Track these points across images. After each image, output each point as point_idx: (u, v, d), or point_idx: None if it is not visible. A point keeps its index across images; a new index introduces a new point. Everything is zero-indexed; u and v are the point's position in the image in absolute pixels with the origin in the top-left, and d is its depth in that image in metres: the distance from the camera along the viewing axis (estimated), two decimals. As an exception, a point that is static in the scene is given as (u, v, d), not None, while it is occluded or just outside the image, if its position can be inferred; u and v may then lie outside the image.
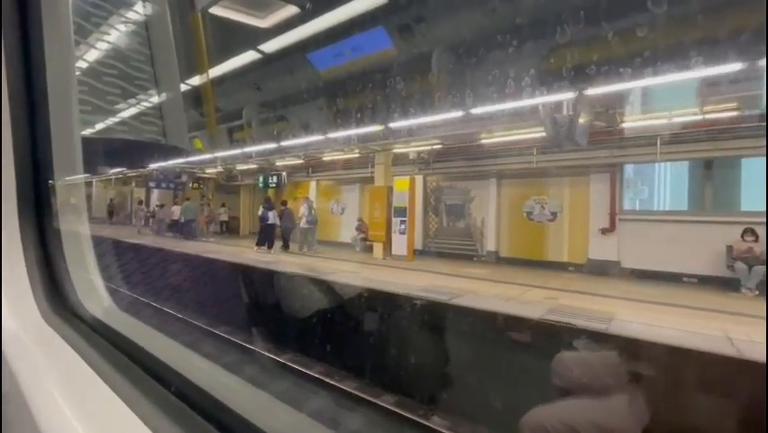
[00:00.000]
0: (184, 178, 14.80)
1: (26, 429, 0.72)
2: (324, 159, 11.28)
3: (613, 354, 0.91)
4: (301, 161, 11.95)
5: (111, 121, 2.01)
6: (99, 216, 18.83)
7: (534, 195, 8.93)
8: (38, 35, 1.18)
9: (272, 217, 10.22)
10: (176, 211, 13.41)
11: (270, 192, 12.98)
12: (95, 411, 0.71)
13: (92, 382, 0.76)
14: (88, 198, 19.18)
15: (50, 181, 1.26)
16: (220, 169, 14.10)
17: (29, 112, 1.17)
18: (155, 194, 16.35)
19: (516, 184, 9.27)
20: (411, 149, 9.44)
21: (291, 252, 10.11)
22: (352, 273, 7.34)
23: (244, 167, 13.52)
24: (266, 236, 10.10)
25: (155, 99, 2.04)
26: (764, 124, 5.69)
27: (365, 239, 10.41)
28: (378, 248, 9.28)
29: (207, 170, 14.89)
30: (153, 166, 13.64)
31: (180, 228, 12.98)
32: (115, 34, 1.87)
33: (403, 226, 8.75)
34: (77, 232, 1.40)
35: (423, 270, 7.55)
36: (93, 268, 1.39)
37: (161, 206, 15.34)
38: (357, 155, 10.25)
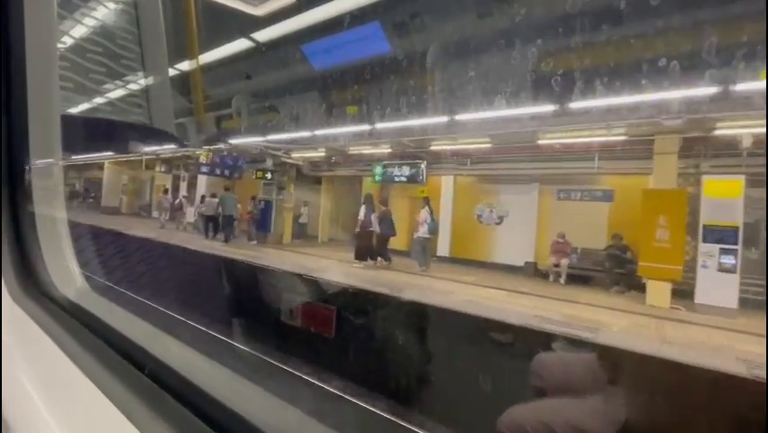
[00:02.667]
0: (268, 162, 10.55)
1: None
2: (540, 142, 7.39)
3: (591, 356, 0.93)
4: (489, 145, 8.06)
5: (95, 101, 1.95)
6: (111, 206, 15.32)
7: None
8: (18, 5, 1.14)
9: (375, 222, 7.81)
10: (210, 205, 10.09)
11: (373, 188, 9.58)
12: (62, 392, 0.70)
13: (60, 363, 0.74)
14: (93, 182, 16.99)
15: (27, 165, 1.23)
16: (319, 152, 10.12)
17: (4, 89, 1.13)
18: (202, 181, 12.19)
19: None
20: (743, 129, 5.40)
21: (400, 269, 7.22)
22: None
23: (367, 150, 9.65)
24: (365, 247, 7.75)
25: (142, 81, 1.99)
26: None
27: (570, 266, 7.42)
28: (658, 290, 5.90)
29: (294, 154, 10.70)
30: (223, 145, 10.07)
31: (216, 226, 10.07)
32: (102, 10, 1.81)
33: (729, 260, 5.43)
34: (52, 216, 1.37)
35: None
36: (68, 251, 1.36)
37: (186, 197, 12.49)
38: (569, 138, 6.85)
